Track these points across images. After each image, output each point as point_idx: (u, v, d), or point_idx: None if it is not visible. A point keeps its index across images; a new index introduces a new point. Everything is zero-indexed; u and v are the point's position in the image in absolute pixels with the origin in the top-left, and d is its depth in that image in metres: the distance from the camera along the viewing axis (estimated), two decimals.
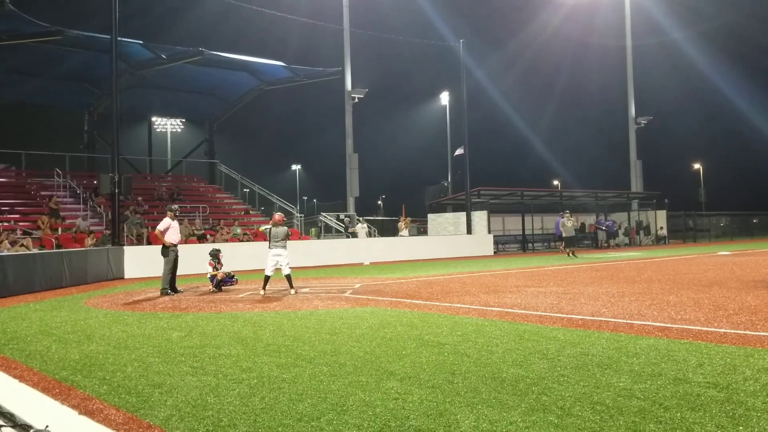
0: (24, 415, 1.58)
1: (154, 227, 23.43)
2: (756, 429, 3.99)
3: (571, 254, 26.33)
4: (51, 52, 26.58)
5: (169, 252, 13.91)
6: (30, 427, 1.46)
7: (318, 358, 6.45)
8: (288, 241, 13.54)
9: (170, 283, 13.90)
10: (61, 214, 24.20)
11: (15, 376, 5.85)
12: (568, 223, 26.72)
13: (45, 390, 5.48)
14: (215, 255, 14.49)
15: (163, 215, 15.10)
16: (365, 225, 30.39)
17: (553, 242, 33.84)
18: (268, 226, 13.51)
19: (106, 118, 27.84)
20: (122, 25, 20.97)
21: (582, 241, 37.53)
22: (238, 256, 20.62)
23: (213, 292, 14.01)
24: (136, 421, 4.54)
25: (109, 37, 20.60)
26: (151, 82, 31.20)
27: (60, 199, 25.29)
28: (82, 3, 52.07)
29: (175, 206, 14.99)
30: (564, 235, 26.98)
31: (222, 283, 14.33)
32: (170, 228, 14.03)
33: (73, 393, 5.38)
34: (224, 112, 36.21)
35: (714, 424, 4.12)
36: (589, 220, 39.73)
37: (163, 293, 13.62)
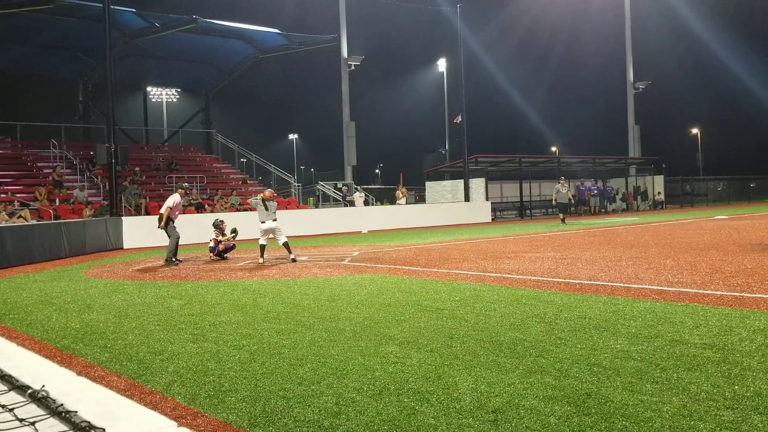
0: (22, 377, 1.59)
1: (151, 198, 23.45)
2: (751, 388, 4.03)
3: (562, 221, 26.54)
4: (42, 20, 26.20)
5: (172, 228, 13.92)
6: (28, 387, 1.47)
7: (317, 324, 6.49)
8: (283, 211, 13.67)
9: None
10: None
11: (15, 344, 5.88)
12: (563, 190, 26.79)
13: (46, 358, 5.51)
14: (218, 225, 14.58)
15: (160, 186, 15.06)
16: (362, 193, 30.34)
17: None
18: (257, 199, 13.58)
19: (101, 88, 27.63)
20: None
21: (581, 207, 37.52)
22: (236, 225, 20.56)
23: (214, 260, 14.13)
24: (138, 387, 4.58)
25: (101, 5, 20.29)
26: (145, 51, 30.82)
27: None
28: None
29: (186, 184, 15.04)
30: (558, 201, 27.10)
31: (225, 251, 14.43)
32: (175, 205, 14.07)
33: (74, 361, 5.42)
34: (220, 81, 35.85)
35: (710, 383, 4.16)
36: (587, 185, 39.63)
37: (168, 262, 13.62)
